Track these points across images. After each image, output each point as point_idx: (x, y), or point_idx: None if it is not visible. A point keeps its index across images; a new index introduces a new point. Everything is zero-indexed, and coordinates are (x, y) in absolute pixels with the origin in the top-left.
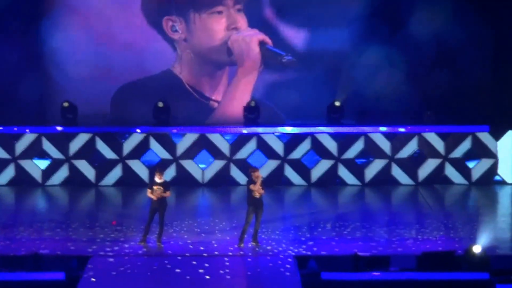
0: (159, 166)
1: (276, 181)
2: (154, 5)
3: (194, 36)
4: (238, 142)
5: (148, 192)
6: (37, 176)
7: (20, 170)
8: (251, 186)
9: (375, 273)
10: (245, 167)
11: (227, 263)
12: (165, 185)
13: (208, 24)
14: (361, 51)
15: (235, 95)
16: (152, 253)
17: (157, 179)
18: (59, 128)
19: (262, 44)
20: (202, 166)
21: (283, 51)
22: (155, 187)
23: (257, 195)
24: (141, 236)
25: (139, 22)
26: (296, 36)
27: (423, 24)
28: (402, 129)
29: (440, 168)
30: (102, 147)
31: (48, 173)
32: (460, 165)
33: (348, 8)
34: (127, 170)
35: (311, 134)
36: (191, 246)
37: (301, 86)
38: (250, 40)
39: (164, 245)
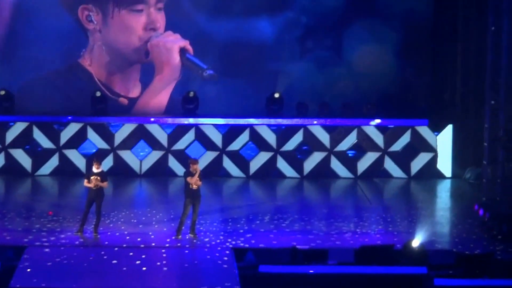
0: (97, 156)
1: (214, 172)
2: None
3: (110, 31)
4: (176, 133)
5: (85, 182)
6: None
7: None
8: (188, 179)
9: (313, 266)
10: (183, 158)
11: (164, 255)
12: (103, 175)
13: (126, 21)
14: (300, 41)
15: (149, 103)
16: (89, 244)
17: (95, 169)
18: None
19: (183, 52)
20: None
21: (204, 64)
22: (92, 177)
23: (194, 187)
24: (78, 226)
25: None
26: (220, 27)
27: (363, 16)
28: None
29: (379, 162)
30: (39, 136)
31: None
32: (399, 159)
33: None
34: (64, 159)
35: (250, 126)
36: (128, 237)
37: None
38: (171, 47)
39: (101, 235)
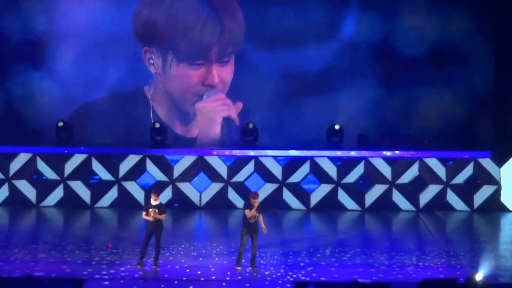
0: (155, 188)
1: (274, 205)
2: (140, 29)
3: (168, 78)
4: (236, 165)
5: (144, 215)
6: (32, 196)
7: (14, 190)
8: (246, 212)
9: None
10: (243, 190)
11: None
12: (161, 207)
13: (183, 73)
14: (359, 73)
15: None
16: (148, 277)
17: (153, 201)
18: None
19: (226, 121)
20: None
21: (236, 136)
22: (150, 210)
23: (252, 220)
24: (137, 259)
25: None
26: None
27: (422, 46)
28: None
29: (441, 194)
30: (98, 168)
31: (42, 193)
32: (462, 192)
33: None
34: (123, 191)
35: (311, 158)
36: (188, 270)
37: (298, 109)
38: (214, 117)
39: (160, 268)
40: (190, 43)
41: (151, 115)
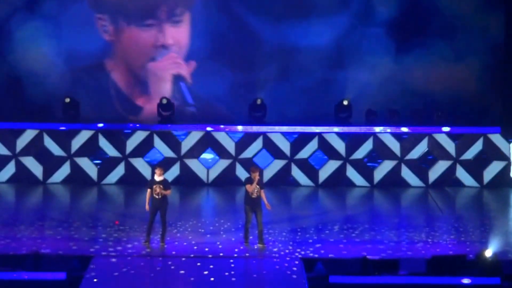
0: (159, 164)
1: (282, 181)
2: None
3: (122, 45)
4: (244, 141)
5: (148, 192)
6: (38, 173)
7: (20, 167)
8: (247, 186)
9: (384, 277)
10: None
11: (232, 265)
12: (166, 183)
13: (135, 36)
14: (368, 48)
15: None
16: (156, 254)
17: (157, 177)
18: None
19: (177, 79)
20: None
21: (190, 99)
22: (155, 186)
23: (254, 195)
24: (145, 236)
25: None
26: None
27: (433, 20)
28: (405, 129)
29: (451, 170)
30: (105, 145)
31: (49, 170)
32: (471, 167)
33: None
34: (130, 168)
35: (319, 134)
36: (195, 247)
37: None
38: (163, 75)
39: (167, 245)
40: (138, 4)
41: (113, 90)
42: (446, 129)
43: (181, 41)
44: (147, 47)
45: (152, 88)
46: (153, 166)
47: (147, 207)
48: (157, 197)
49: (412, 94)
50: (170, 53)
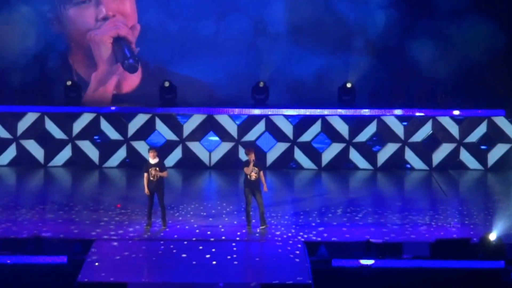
0: (151, 146)
1: (285, 164)
2: None
3: (69, 30)
4: (247, 124)
5: (145, 176)
6: (39, 157)
7: (21, 150)
8: (245, 169)
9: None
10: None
11: (235, 248)
12: (161, 165)
13: (77, 17)
14: (372, 29)
15: (94, 95)
16: (157, 237)
17: (151, 160)
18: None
19: (116, 42)
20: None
21: (129, 53)
22: (151, 169)
23: (252, 177)
24: (146, 220)
25: None
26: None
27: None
28: (418, 113)
29: (454, 153)
30: (107, 128)
31: (50, 154)
32: (475, 150)
33: None
34: (132, 151)
35: (322, 117)
36: (197, 231)
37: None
38: (101, 38)
39: (169, 229)
40: None
41: (74, 77)
42: (456, 112)
43: (124, 10)
44: (90, 23)
45: (95, 56)
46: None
47: (146, 190)
48: (153, 179)
49: (416, 77)
50: (110, 19)
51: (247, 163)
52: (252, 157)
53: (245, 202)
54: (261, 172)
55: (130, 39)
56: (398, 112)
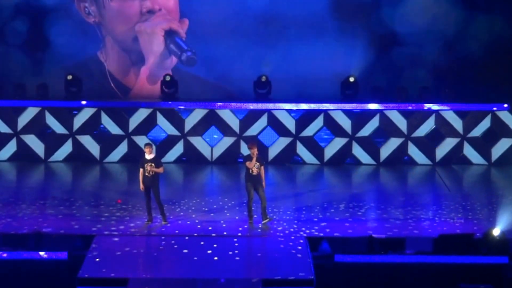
0: (146, 143)
1: (288, 159)
2: None
3: (107, 22)
4: (248, 119)
5: (141, 172)
6: (40, 151)
7: (22, 145)
8: (247, 163)
9: (390, 256)
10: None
11: (236, 244)
12: (157, 161)
13: (119, 8)
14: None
15: (141, 90)
16: (159, 233)
17: (147, 155)
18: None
19: (168, 35)
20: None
21: (185, 46)
22: (147, 164)
23: (254, 172)
24: (147, 215)
25: None
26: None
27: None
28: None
29: (458, 148)
30: (108, 122)
31: (51, 148)
32: (479, 145)
33: None
34: (133, 146)
35: (324, 111)
36: (199, 226)
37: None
38: (153, 31)
39: (171, 224)
40: None
41: (110, 80)
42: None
43: (168, 4)
44: (134, 16)
45: (144, 48)
46: (158, 144)
47: (141, 186)
48: (148, 175)
49: (420, 71)
50: (158, 12)
51: (249, 157)
52: (255, 151)
53: (247, 197)
54: (262, 167)
55: (182, 33)
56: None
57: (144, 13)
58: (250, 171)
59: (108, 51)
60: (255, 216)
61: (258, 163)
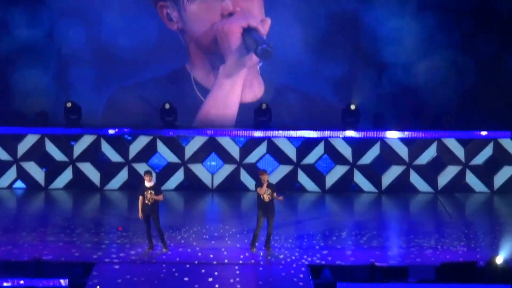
0: (146, 170)
1: (288, 187)
2: None
3: (188, 26)
4: (248, 146)
5: (140, 199)
6: (40, 179)
7: (22, 172)
8: (258, 190)
9: (392, 284)
10: (256, 171)
11: (238, 272)
12: (157, 189)
13: (200, 11)
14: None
15: (218, 96)
16: (160, 260)
17: (147, 183)
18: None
19: (246, 31)
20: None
21: (261, 39)
22: (146, 192)
23: (266, 198)
24: (147, 243)
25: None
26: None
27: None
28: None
29: (460, 176)
30: (108, 150)
31: (51, 176)
32: (481, 173)
33: None
34: (133, 173)
35: (325, 139)
36: (200, 254)
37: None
38: (229, 29)
39: (172, 251)
40: None
41: (195, 89)
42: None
43: (249, 7)
44: (215, 19)
45: (222, 47)
46: (159, 171)
47: (140, 215)
48: (148, 203)
49: (420, 98)
50: (238, 13)
51: (259, 184)
52: (266, 178)
53: (256, 224)
54: (275, 194)
55: (262, 30)
56: (402, 134)
57: (225, 16)
58: (262, 197)
59: (193, 59)
60: (257, 244)
61: (269, 190)
